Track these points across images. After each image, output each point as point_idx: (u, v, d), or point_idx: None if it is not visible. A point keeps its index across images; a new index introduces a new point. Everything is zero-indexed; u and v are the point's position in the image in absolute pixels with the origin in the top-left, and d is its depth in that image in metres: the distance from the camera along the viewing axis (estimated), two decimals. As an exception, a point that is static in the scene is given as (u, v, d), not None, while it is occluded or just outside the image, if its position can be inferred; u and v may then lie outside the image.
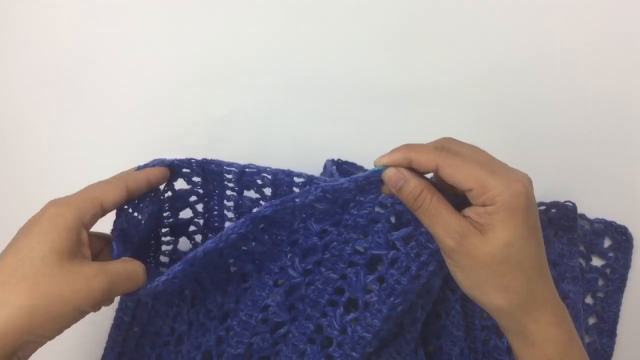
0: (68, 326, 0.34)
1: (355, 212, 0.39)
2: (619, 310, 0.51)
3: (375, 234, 0.40)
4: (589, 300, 0.52)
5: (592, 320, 0.52)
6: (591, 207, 0.52)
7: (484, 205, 0.34)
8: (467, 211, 0.35)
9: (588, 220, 0.52)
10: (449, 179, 0.35)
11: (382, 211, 0.40)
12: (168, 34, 0.57)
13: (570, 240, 0.51)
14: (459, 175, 0.34)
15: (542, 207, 0.52)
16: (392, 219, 0.40)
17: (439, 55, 0.55)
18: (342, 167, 0.52)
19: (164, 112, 0.56)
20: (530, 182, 0.35)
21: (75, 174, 0.56)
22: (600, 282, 0.52)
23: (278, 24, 0.56)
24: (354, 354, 0.41)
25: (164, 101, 0.56)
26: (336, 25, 0.56)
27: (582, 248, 0.52)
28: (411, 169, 0.36)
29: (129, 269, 0.37)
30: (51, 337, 0.33)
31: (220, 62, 0.56)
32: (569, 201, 0.51)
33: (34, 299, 0.32)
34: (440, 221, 0.35)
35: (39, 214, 0.36)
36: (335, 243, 0.41)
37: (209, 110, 0.56)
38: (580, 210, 0.51)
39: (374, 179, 0.37)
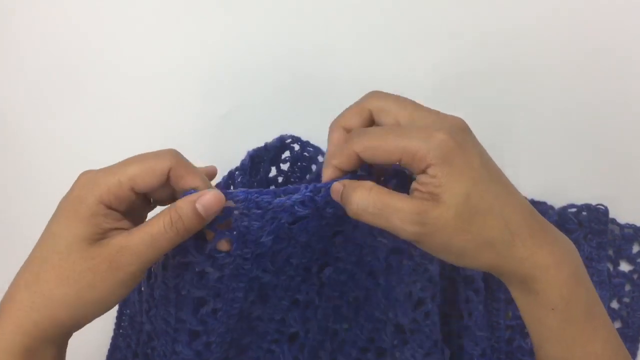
0: (112, 305, 0.33)
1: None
2: (644, 316, 0.51)
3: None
4: (614, 304, 0.52)
5: (616, 325, 0.51)
6: (622, 212, 0.52)
7: (424, 172, 0.31)
8: (414, 185, 0.32)
9: (618, 225, 0.52)
10: (376, 160, 0.33)
11: None
12: (168, 34, 0.57)
13: (599, 244, 0.51)
14: (379, 152, 0.32)
15: (574, 210, 0.51)
16: None
17: (439, 55, 0.54)
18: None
19: (163, 112, 0.56)
20: (455, 124, 0.32)
21: (75, 174, 0.56)
22: (627, 288, 0.52)
23: (278, 23, 0.56)
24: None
25: (163, 100, 0.56)
26: (336, 25, 0.56)
27: (610, 252, 0.52)
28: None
29: (155, 231, 0.32)
30: (91, 320, 0.33)
31: (220, 61, 0.56)
32: (600, 204, 0.51)
33: (64, 287, 0.31)
34: (392, 212, 0.31)
35: (67, 193, 0.34)
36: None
37: (209, 109, 0.56)
38: (611, 215, 0.51)
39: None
